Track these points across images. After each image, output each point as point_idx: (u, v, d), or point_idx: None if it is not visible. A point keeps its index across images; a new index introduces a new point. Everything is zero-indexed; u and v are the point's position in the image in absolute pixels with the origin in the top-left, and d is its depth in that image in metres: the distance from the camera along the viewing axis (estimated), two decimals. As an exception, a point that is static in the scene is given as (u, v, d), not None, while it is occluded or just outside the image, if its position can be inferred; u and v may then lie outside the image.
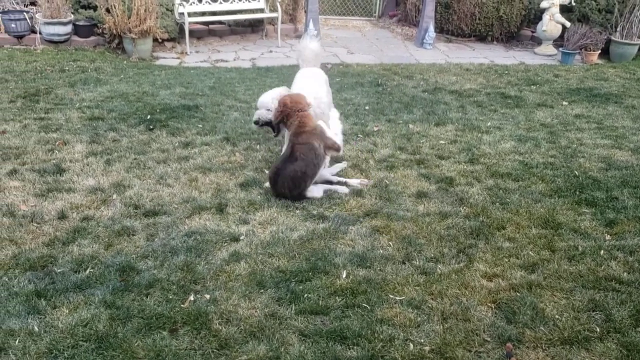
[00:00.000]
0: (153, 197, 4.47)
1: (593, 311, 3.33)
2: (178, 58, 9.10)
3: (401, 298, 3.38)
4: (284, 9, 10.58)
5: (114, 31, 8.61)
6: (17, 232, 3.89)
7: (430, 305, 3.33)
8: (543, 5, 10.08)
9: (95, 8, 8.80)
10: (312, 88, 4.90)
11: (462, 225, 4.22)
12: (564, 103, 7.33)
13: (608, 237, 4.14)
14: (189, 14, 9.30)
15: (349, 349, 2.98)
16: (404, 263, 3.74)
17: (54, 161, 4.98)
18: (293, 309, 3.25)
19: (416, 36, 10.81)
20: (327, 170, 4.85)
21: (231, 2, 9.99)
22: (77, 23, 8.97)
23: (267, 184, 4.60)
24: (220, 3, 9.90)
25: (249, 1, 10.15)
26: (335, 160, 5.13)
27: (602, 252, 3.93)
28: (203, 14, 9.88)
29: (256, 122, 5.18)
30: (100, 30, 8.96)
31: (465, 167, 5.27)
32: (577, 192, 4.80)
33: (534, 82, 8.31)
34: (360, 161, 5.31)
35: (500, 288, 3.51)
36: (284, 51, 9.86)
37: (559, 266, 3.76)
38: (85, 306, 3.20)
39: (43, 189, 4.49)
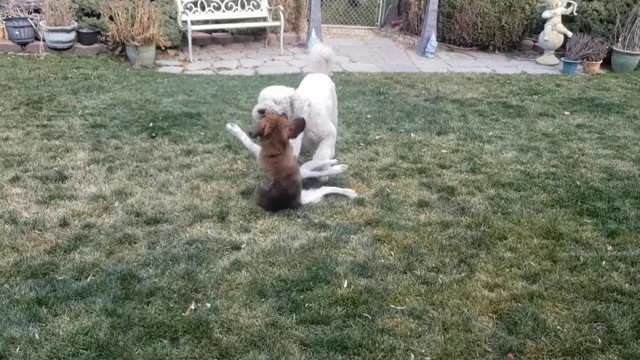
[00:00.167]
0: (155, 204, 4.48)
1: (595, 322, 3.32)
2: (181, 66, 9.13)
3: (402, 308, 3.38)
4: (287, 18, 10.63)
5: (117, 39, 8.64)
6: (18, 239, 3.89)
7: (431, 315, 3.33)
8: (545, 15, 10.11)
9: (98, 16, 8.84)
10: (316, 90, 4.94)
11: (463, 235, 4.21)
12: (566, 113, 7.34)
13: (610, 247, 4.14)
14: (192, 22, 9.35)
15: (350, 359, 2.97)
16: (405, 273, 3.74)
17: (56, 168, 5.00)
18: (294, 318, 3.24)
19: (418, 45, 10.85)
20: (307, 167, 4.84)
21: (234, 11, 10.04)
22: (80, 30, 9.02)
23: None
24: (224, 11, 9.95)
25: (252, 10, 10.20)
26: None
27: (603, 262, 3.92)
28: (206, 22, 9.93)
29: (262, 112, 4.56)
30: (104, 38, 9.01)
31: (466, 176, 5.27)
32: (579, 203, 4.79)
33: (535, 91, 8.32)
34: (361, 170, 5.31)
35: (502, 298, 3.51)
36: (287, 59, 9.89)
37: (561, 277, 3.75)
38: (86, 314, 3.20)
39: (45, 196, 4.50)
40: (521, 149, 5.97)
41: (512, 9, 10.57)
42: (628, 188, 5.10)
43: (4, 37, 9.02)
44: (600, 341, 3.16)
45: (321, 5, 10.88)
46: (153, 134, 5.88)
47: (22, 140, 5.57)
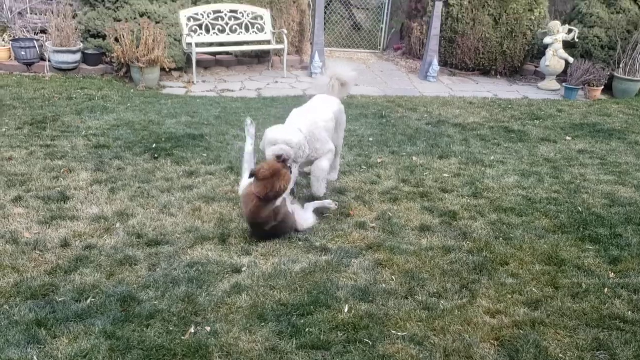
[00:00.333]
0: (156, 226, 4.48)
1: (597, 350, 3.29)
2: (185, 87, 9.20)
3: (403, 334, 3.35)
4: (290, 41, 10.73)
5: (122, 60, 8.72)
6: (19, 260, 3.89)
7: (432, 341, 3.30)
8: (546, 41, 10.20)
9: (104, 37, 8.93)
10: (319, 111, 4.91)
11: (465, 260, 4.20)
12: (568, 138, 7.36)
13: (612, 275, 4.12)
14: (197, 45, 9.44)
15: (350, 386, 2.95)
16: (407, 298, 3.72)
17: (59, 189, 5.01)
18: (294, 343, 3.22)
19: (420, 69, 10.93)
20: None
21: (239, 34, 10.14)
22: (86, 51, 9.10)
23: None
24: (228, 34, 10.05)
25: (256, 33, 10.30)
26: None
27: (606, 290, 3.90)
28: (211, 44, 10.02)
29: (279, 157, 4.39)
30: (109, 59, 9.09)
31: (468, 201, 5.27)
32: (581, 229, 4.79)
33: (537, 116, 8.36)
34: (363, 193, 5.31)
35: (504, 325, 3.48)
36: (290, 82, 9.97)
37: (563, 304, 3.73)
38: (86, 336, 3.18)
39: (47, 216, 4.51)
40: (523, 174, 5.98)
41: (513, 34, 10.68)
42: (630, 215, 5.10)
43: (10, 57, 9.11)
44: (603, 370, 3.13)
45: (324, 29, 10.98)
46: (156, 155, 5.91)
47: (25, 160, 5.59)
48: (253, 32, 10.29)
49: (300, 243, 4.34)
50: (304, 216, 4.59)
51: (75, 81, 8.71)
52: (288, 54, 10.43)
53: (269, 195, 4.11)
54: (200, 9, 9.89)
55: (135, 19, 8.82)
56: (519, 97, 9.74)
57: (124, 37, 8.47)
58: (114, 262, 3.95)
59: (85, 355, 3.03)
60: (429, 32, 10.62)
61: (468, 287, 3.87)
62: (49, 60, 8.93)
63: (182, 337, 3.22)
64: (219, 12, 10.02)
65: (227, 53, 10.49)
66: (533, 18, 10.67)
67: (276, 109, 7.96)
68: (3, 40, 9.15)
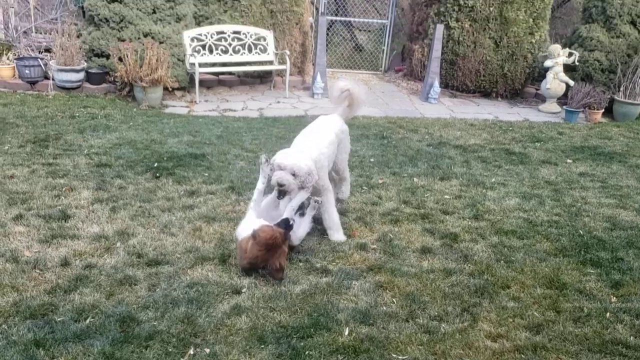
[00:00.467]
0: (156, 246, 4.47)
1: (600, 376, 3.27)
2: (187, 107, 9.24)
3: (404, 357, 3.33)
4: (293, 62, 10.81)
5: (126, 79, 8.77)
6: (19, 279, 3.88)
7: (433, 365, 3.28)
8: (547, 64, 10.27)
9: (108, 56, 9.00)
10: (322, 134, 4.74)
11: (466, 283, 4.18)
12: (568, 161, 7.37)
13: (614, 299, 4.10)
14: (200, 65, 9.51)
15: (350, 410, 2.92)
16: (408, 321, 3.70)
17: (60, 207, 5.01)
18: (294, 366, 3.20)
19: (421, 91, 10.99)
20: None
21: (241, 54, 10.22)
22: (89, 70, 9.16)
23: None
24: (231, 55, 10.13)
25: (259, 53, 10.38)
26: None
27: (608, 314, 3.88)
28: (213, 64, 10.09)
29: (281, 185, 4.33)
30: (112, 78, 9.15)
31: (469, 223, 5.27)
32: (582, 252, 4.77)
33: (538, 139, 8.38)
34: (364, 214, 5.31)
35: (505, 349, 3.46)
36: (292, 102, 10.02)
37: (564, 328, 3.71)
38: (84, 357, 3.17)
39: (47, 235, 4.50)
40: (524, 197, 5.98)
41: (514, 57, 10.75)
42: (631, 238, 5.08)
43: (14, 75, 9.18)
44: (605, 396, 3.10)
45: (327, 50, 11.07)
46: (157, 174, 5.92)
47: (27, 178, 5.60)
48: (256, 52, 10.37)
49: (301, 264, 4.33)
50: (298, 235, 4.45)
51: (78, 100, 8.76)
52: (290, 74, 10.50)
53: (259, 264, 4.05)
54: (204, 29, 9.98)
55: (139, 38, 8.89)
56: (519, 119, 9.78)
57: (127, 56, 8.54)
58: (113, 281, 3.93)
59: (83, 376, 3.01)
60: (430, 54, 10.70)
61: (469, 310, 3.85)
62: (53, 79, 8.99)
63: (181, 359, 3.20)
64: (222, 32, 10.11)
65: (230, 73, 10.56)
66: (534, 41, 10.76)
67: (278, 129, 8.00)
68: (7, 59, 9.22)
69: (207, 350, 3.28)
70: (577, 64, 10.28)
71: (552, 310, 3.90)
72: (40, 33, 10.27)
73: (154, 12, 9.14)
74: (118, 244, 4.44)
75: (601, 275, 4.41)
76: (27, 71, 8.96)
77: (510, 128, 8.98)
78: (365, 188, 5.96)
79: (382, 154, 7.15)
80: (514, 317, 3.80)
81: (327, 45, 11.24)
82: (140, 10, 9.01)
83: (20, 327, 3.38)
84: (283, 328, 3.53)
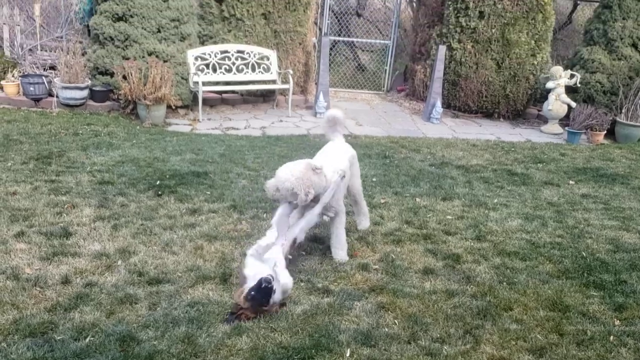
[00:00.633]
0: (157, 264, 4.45)
1: (604, 401, 3.23)
2: (190, 125, 9.28)
3: (406, 380, 3.30)
4: (296, 81, 10.88)
5: (129, 97, 8.82)
6: (19, 296, 3.86)
7: (435, 388, 3.24)
8: (549, 85, 10.32)
9: (112, 74, 9.06)
10: (337, 160, 4.79)
11: (468, 305, 4.16)
12: (571, 182, 7.37)
13: (617, 322, 4.07)
14: (204, 83, 9.57)
15: None
16: (410, 343, 3.67)
17: (62, 224, 5.00)
18: (294, 387, 3.17)
19: (423, 110, 11.03)
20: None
21: (245, 73, 10.29)
22: (93, 88, 9.22)
23: None
24: (235, 74, 10.20)
25: (262, 73, 10.45)
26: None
27: (611, 337, 3.85)
28: (217, 83, 10.16)
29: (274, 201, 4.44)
30: (116, 96, 9.20)
31: (472, 244, 5.25)
32: (585, 274, 4.75)
33: (540, 160, 8.39)
34: (366, 233, 5.30)
35: (508, 373, 3.43)
36: (294, 121, 10.05)
37: (568, 351, 3.67)
38: (83, 377, 3.14)
39: (49, 252, 4.49)
40: (526, 218, 5.96)
41: (516, 78, 10.81)
42: (635, 261, 5.06)
43: (18, 92, 9.24)
44: (610, 422, 3.06)
45: (329, 70, 11.14)
46: (159, 192, 5.92)
47: (29, 195, 5.61)
48: (259, 71, 10.44)
49: (302, 284, 4.31)
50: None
51: (82, 117, 8.80)
52: (293, 93, 10.56)
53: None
54: (208, 48, 10.06)
55: (143, 57, 8.96)
56: (521, 140, 9.79)
57: (131, 74, 8.59)
58: (114, 300, 3.91)
59: (81, 396, 2.98)
60: (432, 75, 10.76)
61: (471, 333, 3.82)
62: (57, 96, 9.04)
63: (181, 379, 3.18)
64: (226, 52, 10.19)
65: (233, 92, 10.62)
66: (535, 63, 10.82)
67: (280, 148, 8.02)
68: (12, 76, 9.29)
69: (207, 371, 3.26)
70: (578, 85, 10.32)
71: (555, 333, 3.87)
72: (46, 51, 10.37)
73: (159, 31, 9.23)
74: (119, 262, 4.43)
75: (604, 298, 4.38)
76: (31, 88, 9.02)
77: (513, 149, 8.99)
78: (368, 207, 5.93)
79: (384, 174, 7.15)
80: (517, 340, 3.77)
81: (329, 64, 11.32)
82: (145, 29, 9.09)
83: (20, 345, 3.36)
84: (284, 349, 3.50)
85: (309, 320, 3.82)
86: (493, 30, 10.55)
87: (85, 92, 9.12)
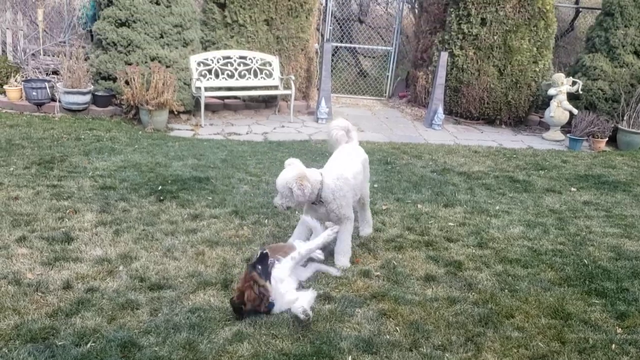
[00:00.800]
0: (159, 270, 4.45)
1: (606, 410, 3.21)
2: (192, 130, 9.30)
3: (407, 387, 3.29)
4: (298, 87, 10.90)
5: (132, 102, 8.85)
6: (21, 302, 3.86)
7: (437, 396, 3.23)
8: (551, 92, 10.33)
9: (114, 79, 9.09)
10: (349, 165, 4.90)
11: (470, 312, 4.15)
12: (572, 189, 7.36)
13: (619, 330, 4.05)
14: (206, 89, 9.60)
15: None
16: (411, 350, 3.66)
17: (64, 229, 5.01)
18: (296, 394, 3.16)
19: (425, 117, 11.04)
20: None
21: (247, 79, 10.32)
22: (96, 93, 9.25)
23: None
24: (237, 79, 10.23)
25: (265, 78, 10.49)
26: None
27: (613, 346, 3.83)
28: (219, 89, 10.19)
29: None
30: (118, 101, 9.24)
31: (473, 251, 5.24)
32: (587, 282, 4.73)
33: (542, 167, 8.38)
34: (368, 240, 5.29)
35: (510, 381, 3.41)
36: (296, 126, 10.07)
37: (569, 359, 3.66)
38: (84, 383, 3.13)
39: (50, 257, 4.49)
40: (528, 225, 5.96)
41: (518, 85, 10.83)
42: (636, 268, 5.05)
43: (21, 97, 9.27)
44: None
45: (331, 76, 11.17)
46: (161, 197, 5.92)
47: (31, 199, 5.62)
48: (261, 77, 10.47)
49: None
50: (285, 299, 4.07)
51: (84, 122, 8.82)
52: (295, 99, 10.58)
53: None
54: (210, 54, 10.10)
55: (146, 62, 8.99)
56: (523, 146, 9.79)
57: (134, 80, 8.62)
58: (115, 305, 3.91)
59: (82, 402, 2.97)
60: (434, 81, 10.78)
61: (473, 340, 3.81)
62: (59, 101, 9.07)
63: (182, 386, 3.17)
64: (229, 57, 10.22)
65: (235, 97, 10.66)
66: (537, 70, 10.84)
67: (282, 153, 8.02)
68: (15, 81, 9.32)
69: (208, 377, 3.25)
70: (580, 92, 10.33)
71: (557, 341, 3.86)
72: (48, 55, 10.41)
73: (162, 36, 9.26)
74: (121, 268, 4.43)
75: (606, 306, 4.37)
76: (34, 93, 9.05)
77: (514, 155, 8.99)
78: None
79: (385, 180, 7.15)
80: (519, 348, 3.76)
81: (331, 70, 11.35)
82: (148, 35, 9.12)
83: (21, 350, 3.35)
84: (285, 356, 3.49)
85: (311, 327, 3.81)
86: (495, 37, 10.58)
87: (87, 97, 9.15)
